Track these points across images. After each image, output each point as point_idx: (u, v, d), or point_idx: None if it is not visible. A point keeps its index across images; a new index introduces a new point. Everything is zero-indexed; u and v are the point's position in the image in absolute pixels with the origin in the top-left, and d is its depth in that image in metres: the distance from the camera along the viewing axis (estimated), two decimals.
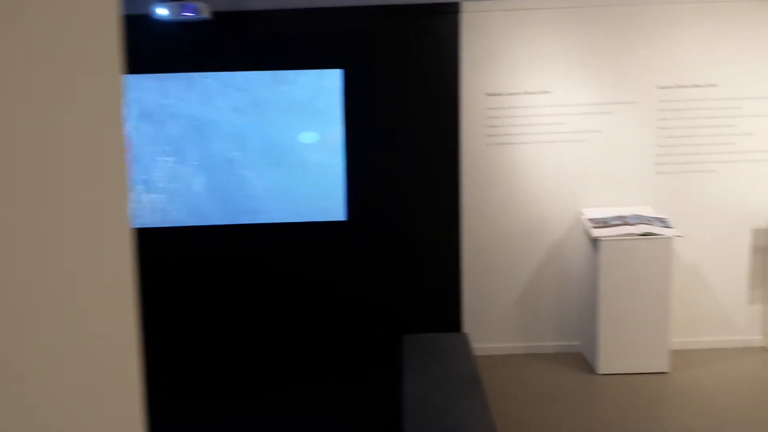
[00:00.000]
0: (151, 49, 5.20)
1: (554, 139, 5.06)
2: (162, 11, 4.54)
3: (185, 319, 5.31)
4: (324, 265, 5.33)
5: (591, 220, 4.93)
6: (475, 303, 5.28)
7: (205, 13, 4.66)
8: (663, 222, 4.83)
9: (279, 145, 5.22)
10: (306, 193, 5.25)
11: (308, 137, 5.19)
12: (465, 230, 5.18)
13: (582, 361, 5.07)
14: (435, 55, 5.01)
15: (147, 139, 5.30)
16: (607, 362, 4.79)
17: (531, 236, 5.21)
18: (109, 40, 0.86)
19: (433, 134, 5.10)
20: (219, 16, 4.97)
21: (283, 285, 5.39)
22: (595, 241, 4.75)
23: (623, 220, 4.84)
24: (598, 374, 4.81)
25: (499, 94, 5.03)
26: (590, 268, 4.90)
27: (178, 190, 5.35)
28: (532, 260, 5.25)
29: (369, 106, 5.13)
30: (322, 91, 5.12)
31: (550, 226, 5.19)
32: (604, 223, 4.85)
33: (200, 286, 5.39)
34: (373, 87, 5.11)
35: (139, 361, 0.87)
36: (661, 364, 4.78)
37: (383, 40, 5.05)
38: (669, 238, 4.71)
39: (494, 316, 5.30)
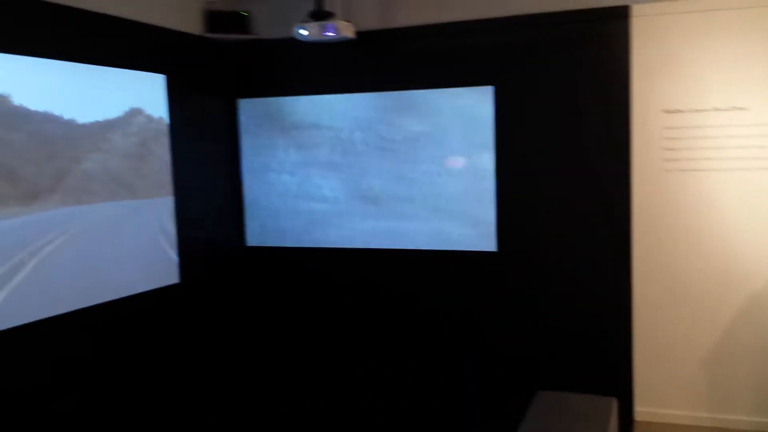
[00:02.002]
0: (297, 70, 5.16)
1: (750, 165, 4.12)
2: (304, 32, 4.43)
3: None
4: (463, 298, 4.85)
5: None
6: (645, 359, 4.41)
7: (348, 33, 4.47)
8: None
9: (426, 168, 4.85)
10: (452, 220, 4.80)
11: (457, 161, 4.77)
12: (636, 271, 4.37)
13: None
14: (600, 67, 4.34)
15: (294, 160, 5.24)
16: None
17: (722, 283, 4.25)
18: None
19: (599, 158, 4.39)
20: (363, 36, 4.78)
21: (411, 315, 5.03)
22: None
23: None
24: None
25: (680, 111, 4.21)
26: None
27: (322, 209, 5.18)
28: (724, 313, 4.27)
29: (523, 126, 4.58)
30: (471, 110, 4.68)
31: (747, 270, 4.19)
32: None
33: (333, 307, 5.18)
34: (528, 105, 4.55)
35: None
36: None
37: (539, 52, 4.50)
38: None
39: (671, 377, 4.38)
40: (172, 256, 4.71)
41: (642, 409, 4.47)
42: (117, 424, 4.16)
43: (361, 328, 5.18)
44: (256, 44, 5.19)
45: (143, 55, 4.48)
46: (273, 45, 5.09)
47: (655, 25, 4.19)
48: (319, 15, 4.48)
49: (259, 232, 5.40)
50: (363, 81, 4.99)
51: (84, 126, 4.03)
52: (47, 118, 3.80)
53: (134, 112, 4.43)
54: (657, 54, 4.21)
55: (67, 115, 3.91)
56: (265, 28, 5.17)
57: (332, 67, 5.07)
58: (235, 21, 5.12)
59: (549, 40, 4.46)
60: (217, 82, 5.23)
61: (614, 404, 3.48)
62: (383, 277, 5.07)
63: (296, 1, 4.67)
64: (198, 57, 5.02)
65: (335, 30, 4.39)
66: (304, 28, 4.42)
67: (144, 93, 4.50)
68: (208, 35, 5.01)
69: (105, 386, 4.17)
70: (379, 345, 5.12)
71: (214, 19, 5.06)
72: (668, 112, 4.22)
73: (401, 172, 4.92)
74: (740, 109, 4.10)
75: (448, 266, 4.86)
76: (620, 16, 4.26)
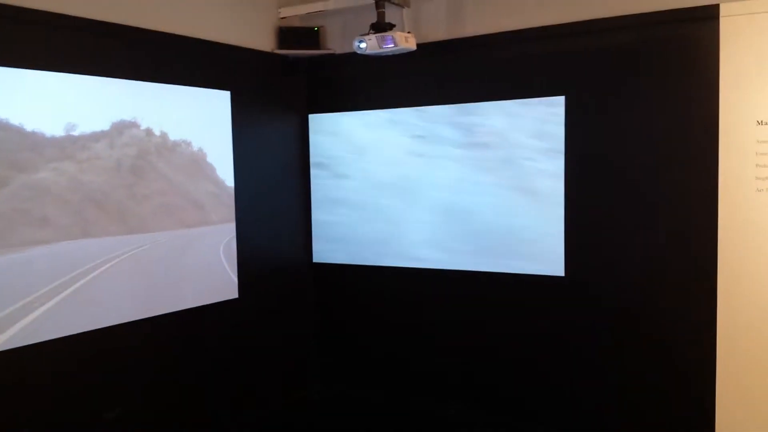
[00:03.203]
0: (367, 84, 5.07)
1: None
2: (362, 45, 4.32)
3: None
4: (525, 327, 4.52)
5: None
6: (731, 406, 3.86)
7: (408, 45, 4.30)
8: None
9: (493, 183, 4.59)
10: (519, 240, 4.49)
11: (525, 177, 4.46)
12: (721, 305, 3.85)
13: None
14: (683, 74, 3.89)
15: (361, 176, 5.14)
16: None
17: None
18: None
19: (681, 176, 3.93)
20: (431, 47, 4.62)
21: (464, 341, 4.76)
22: None
23: None
24: None
25: None
26: None
27: (387, 229, 5.04)
28: None
29: (598, 139, 4.20)
30: (540, 122, 4.37)
31: None
32: None
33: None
34: (603, 116, 4.17)
35: None
36: None
37: (614, 58, 4.11)
38: None
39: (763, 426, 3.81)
40: (231, 271, 4.75)
41: None
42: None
43: (419, 349, 4.99)
44: (327, 59, 5.16)
45: (209, 73, 4.57)
46: (344, 60, 5.04)
47: (747, 25, 3.69)
48: (380, 27, 4.37)
49: (325, 249, 5.35)
50: (432, 93, 4.81)
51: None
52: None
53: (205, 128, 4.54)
54: (749, 58, 3.71)
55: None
56: (336, 43, 5.13)
57: (403, 80, 4.94)
58: (307, 36, 5.12)
59: (626, 45, 4.07)
60: (287, 98, 5.26)
61: None
62: (444, 298, 4.86)
63: (369, 15, 4.59)
64: (267, 73, 5.07)
65: (394, 42, 4.25)
66: (363, 41, 4.32)
67: (211, 110, 4.61)
68: (279, 51, 5.05)
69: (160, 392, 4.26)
70: (438, 367, 4.90)
71: (286, 35, 5.09)
72: (762, 123, 3.70)
73: (468, 188, 4.69)
74: None
75: (514, 290, 4.56)
76: (709, 17, 3.79)
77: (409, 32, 4.37)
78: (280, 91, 5.20)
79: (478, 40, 4.56)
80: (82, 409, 3.80)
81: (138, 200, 4.11)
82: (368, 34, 4.33)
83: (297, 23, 5.18)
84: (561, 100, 4.28)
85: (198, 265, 4.50)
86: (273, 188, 5.14)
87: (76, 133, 3.75)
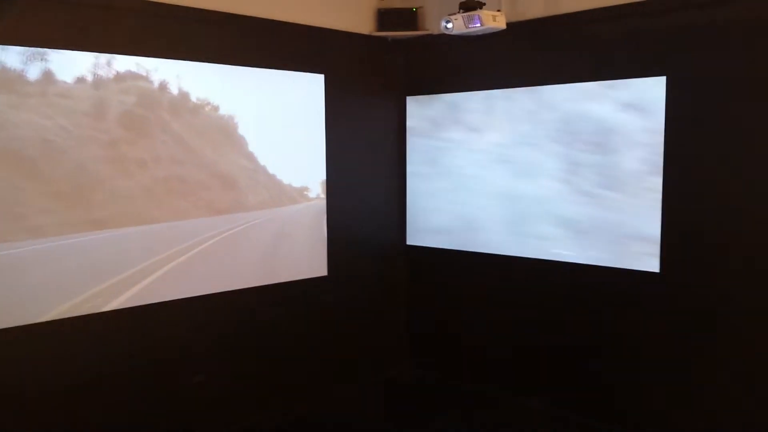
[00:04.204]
0: (465, 65, 4.95)
1: None
2: (449, 25, 4.21)
3: None
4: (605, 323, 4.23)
5: None
6: None
7: (496, 24, 4.13)
8: None
9: (584, 170, 4.32)
10: (612, 229, 4.20)
11: (617, 163, 4.15)
12: None
13: None
14: None
15: (458, 162, 5.06)
16: None
17: None
18: None
19: None
20: (527, 25, 4.42)
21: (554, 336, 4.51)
22: None
23: None
24: None
25: None
26: None
27: (481, 213, 4.93)
28: None
29: (701, 122, 3.80)
30: (639, 104, 4.03)
31: None
32: None
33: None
34: (707, 96, 3.76)
35: None
36: None
37: (725, 33, 3.69)
38: None
39: None
40: (323, 250, 4.87)
41: None
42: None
43: (500, 336, 4.85)
44: (425, 40, 5.09)
45: (301, 56, 4.68)
46: (442, 40, 4.94)
47: None
48: (469, 5, 4.23)
49: (419, 232, 5.32)
50: (528, 74, 4.60)
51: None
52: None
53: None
54: None
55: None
56: (435, 24, 5.03)
57: (500, 61, 4.76)
58: (405, 17, 5.08)
59: (739, 18, 3.63)
60: (385, 80, 5.26)
61: None
62: (531, 287, 4.68)
63: None
64: (365, 55, 5.10)
65: (480, 21, 4.09)
66: (450, 21, 4.21)
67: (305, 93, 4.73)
68: (377, 33, 5.05)
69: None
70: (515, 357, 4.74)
71: (385, 16, 5.08)
72: None
73: (560, 175, 4.45)
74: None
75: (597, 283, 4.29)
76: None
77: (498, 10, 4.19)
78: (378, 74, 5.22)
79: (575, 17, 4.28)
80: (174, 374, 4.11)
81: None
82: (456, 13, 4.21)
83: (397, 4, 5.15)
84: (661, 81, 3.92)
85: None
86: (368, 171, 5.19)
87: None
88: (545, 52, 4.52)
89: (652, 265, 4.00)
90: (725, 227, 3.74)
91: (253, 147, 4.46)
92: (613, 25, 4.12)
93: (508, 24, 4.20)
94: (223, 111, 4.28)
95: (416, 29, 5.07)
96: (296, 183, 4.72)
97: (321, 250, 4.85)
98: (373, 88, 5.20)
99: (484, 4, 4.23)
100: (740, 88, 3.64)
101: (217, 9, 4.11)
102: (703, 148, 3.80)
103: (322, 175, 4.83)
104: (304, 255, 4.77)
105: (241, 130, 4.39)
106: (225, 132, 4.31)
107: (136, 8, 3.77)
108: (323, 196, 4.84)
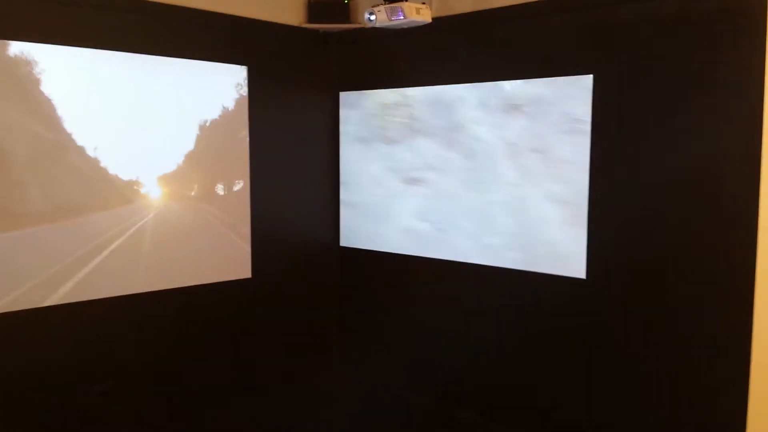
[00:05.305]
0: (397, 60, 4.78)
1: None
2: (371, 17, 4.03)
3: None
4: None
5: None
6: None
7: (419, 17, 3.95)
8: None
9: (510, 177, 4.17)
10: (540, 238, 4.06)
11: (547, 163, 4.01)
12: (758, 322, 3.24)
13: None
14: (727, 55, 3.29)
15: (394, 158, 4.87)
16: None
17: None
18: None
19: (720, 171, 3.34)
20: (457, 20, 4.26)
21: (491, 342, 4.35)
22: None
23: None
24: None
25: None
26: None
27: (419, 216, 4.75)
28: None
29: (627, 126, 3.66)
30: (568, 102, 3.88)
31: None
32: None
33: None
34: (635, 99, 3.63)
35: None
36: None
37: (651, 33, 3.55)
38: None
39: None
40: (245, 249, 4.65)
41: None
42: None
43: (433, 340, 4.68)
44: (358, 33, 4.90)
45: (226, 47, 4.47)
46: (375, 34, 4.74)
47: None
48: None
49: (354, 234, 5.13)
50: (457, 71, 4.43)
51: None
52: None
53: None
54: None
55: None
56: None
57: (433, 56, 4.58)
58: (337, 10, 4.88)
59: (669, 16, 3.50)
60: (316, 75, 5.06)
61: None
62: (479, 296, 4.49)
63: None
64: (294, 49, 4.89)
65: (403, 14, 3.91)
66: (373, 13, 4.02)
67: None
68: (307, 26, 4.85)
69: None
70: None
71: (316, 9, 4.87)
72: None
73: (483, 179, 4.30)
74: None
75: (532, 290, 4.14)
76: None
77: (423, 3, 4.01)
78: (309, 67, 5.01)
79: (505, 11, 4.12)
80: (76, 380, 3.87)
81: None
82: (380, 5, 4.03)
83: None
84: (588, 79, 3.77)
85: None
86: (298, 169, 4.99)
87: None
88: (470, 49, 4.36)
89: (579, 271, 3.87)
90: (653, 234, 3.61)
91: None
92: (540, 21, 3.98)
93: (439, 18, 4.04)
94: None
95: (349, 22, 4.88)
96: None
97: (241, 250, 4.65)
98: (303, 82, 4.99)
99: None
100: (666, 89, 3.51)
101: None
102: (629, 151, 3.66)
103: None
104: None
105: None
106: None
107: None
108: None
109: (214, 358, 4.50)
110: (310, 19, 4.88)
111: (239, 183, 4.62)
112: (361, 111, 4.99)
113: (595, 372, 3.87)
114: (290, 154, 4.92)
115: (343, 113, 5.11)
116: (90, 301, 3.88)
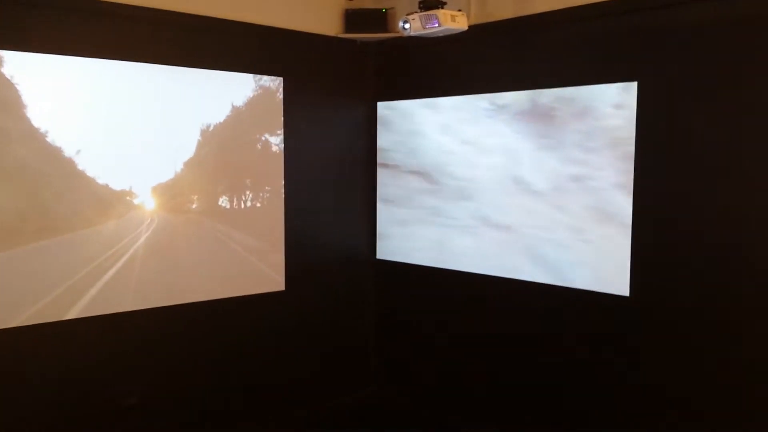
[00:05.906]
0: (436, 69, 4.66)
1: None
2: (406, 26, 3.92)
3: None
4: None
5: None
6: None
7: (455, 25, 3.83)
8: None
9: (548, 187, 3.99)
10: (576, 256, 3.86)
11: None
12: None
13: None
14: None
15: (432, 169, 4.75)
16: None
17: None
18: None
19: None
20: (496, 27, 4.13)
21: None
22: None
23: None
24: None
25: None
26: None
27: (454, 229, 4.61)
28: None
29: (677, 131, 3.45)
30: (612, 110, 3.69)
31: None
32: None
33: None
34: (676, 102, 3.42)
35: None
36: None
37: (699, 36, 3.35)
38: None
39: None
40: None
41: None
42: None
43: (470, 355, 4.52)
44: (396, 42, 4.80)
45: (262, 58, 4.44)
46: (414, 43, 4.63)
47: None
48: (428, 4, 3.93)
49: (390, 246, 5.01)
50: (499, 79, 4.28)
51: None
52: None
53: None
54: None
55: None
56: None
57: (479, 64, 4.44)
58: (375, 19, 4.80)
59: (715, 20, 3.29)
60: (353, 84, 4.98)
61: None
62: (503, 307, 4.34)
63: None
64: (332, 58, 4.83)
65: (438, 21, 3.80)
66: (407, 21, 3.92)
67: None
68: (345, 35, 4.78)
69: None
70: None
71: (352, 18, 4.81)
72: None
73: (524, 190, 4.13)
74: None
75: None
76: None
77: (459, 10, 3.89)
78: (346, 78, 4.94)
79: (548, 16, 3.97)
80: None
81: None
82: (414, 13, 3.92)
83: (367, 5, 4.87)
84: (633, 86, 3.58)
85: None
86: (333, 179, 4.91)
87: None
88: (513, 55, 4.21)
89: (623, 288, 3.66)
90: (706, 254, 3.39)
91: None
92: (580, 27, 3.80)
93: (477, 26, 3.91)
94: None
95: (386, 31, 4.78)
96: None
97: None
98: (340, 93, 4.92)
99: (445, 3, 3.94)
100: (715, 93, 3.29)
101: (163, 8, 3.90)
102: (676, 160, 3.45)
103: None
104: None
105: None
106: None
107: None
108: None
109: (246, 372, 4.44)
110: (347, 29, 4.81)
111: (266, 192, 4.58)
112: (398, 120, 4.90)
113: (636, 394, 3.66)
114: (325, 165, 4.85)
115: (381, 123, 5.02)
116: (111, 315, 3.86)
